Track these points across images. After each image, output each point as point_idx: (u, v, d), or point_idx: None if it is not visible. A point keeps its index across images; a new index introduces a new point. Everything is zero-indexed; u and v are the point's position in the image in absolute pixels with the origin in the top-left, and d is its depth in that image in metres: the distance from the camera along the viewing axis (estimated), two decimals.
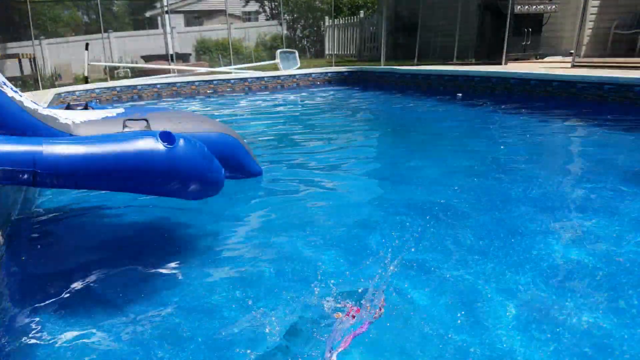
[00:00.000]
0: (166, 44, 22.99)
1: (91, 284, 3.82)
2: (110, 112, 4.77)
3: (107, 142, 3.65)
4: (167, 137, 3.74)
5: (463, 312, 3.25)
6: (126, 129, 4.20)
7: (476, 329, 3.07)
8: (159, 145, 3.66)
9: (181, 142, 3.76)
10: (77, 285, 3.80)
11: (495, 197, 5.51)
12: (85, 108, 5.19)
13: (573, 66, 14.16)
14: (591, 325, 3.04)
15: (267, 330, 3.14)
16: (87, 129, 4.16)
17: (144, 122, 4.22)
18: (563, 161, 7.29)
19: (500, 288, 3.53)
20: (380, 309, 3.15)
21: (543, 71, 13.48)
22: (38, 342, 3.11)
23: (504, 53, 16.60)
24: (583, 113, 10.66)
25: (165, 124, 4.33)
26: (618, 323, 3.06)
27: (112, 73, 21.07)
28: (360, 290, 3.45)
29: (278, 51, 21.85)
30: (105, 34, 21.02)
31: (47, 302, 3.56)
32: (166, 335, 3.16)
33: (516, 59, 17.84)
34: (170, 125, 4.34)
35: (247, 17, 30.27)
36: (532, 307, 3.30)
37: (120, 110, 5.06)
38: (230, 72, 20.93)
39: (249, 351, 2.92)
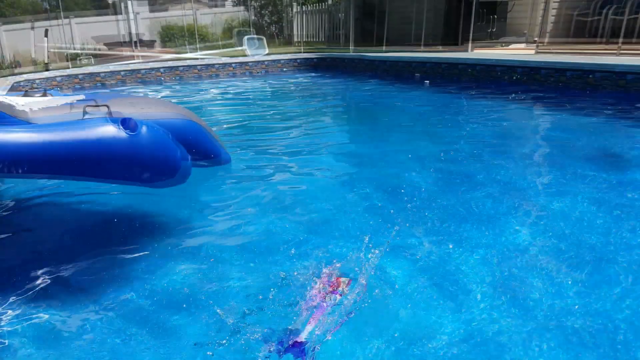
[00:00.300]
0: (130, 29, 22.40)
1: (58, 271, 3.73)
2: (70, 98, 4.62)
3: (66, 130, 3.53)
4: (128, 123, 3.64)
5: (434, 290, 3.30)
6: (87, 116, 4.07)
7: (448, 305, 3.13)
8: (121, 132, 3.57)
9: (144, 128, 3.67)
10: (43, 272, 3.71)
11: (463, 179, 5.59)
12: (44, 95, 5.01)
13: (537, 52, 14.42)
14: (556, 296, 3.14)
15: (239, 311, 3.17)
16: (45, 116, 4.02)
17: (105, 109, 4.09)
18: (527, 145, 7.43)
19: (469, 265, 3.60)
20: (347, 285, 3.20)
21: (508, 57, 13.69)
22: (7, 328, 3.05)
23: (470, 40, 16.78)
24: (547, 98, 10.88)
25: (127, 110, 4.21)
26: (580, 294, 3.18)
27: (73, 60, 20.42)
28: (332, 269, 3.49)
29: (245, 37, 21.55)
30: (67, 20, 20.33)
31: (12, 289, 3.47)
32: (138, 317, 3.12)
33: (482, 46, 18.04)
34: (132, 111, 4.23)
35: (214, 3, 29.70)
36: (501, 283, 3.37)
37: (81, 97, 4.90)
38: (197, 59, 20.56)
39: (220, 333, 2.91)
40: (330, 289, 3.17)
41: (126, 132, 3.56)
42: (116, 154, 3.54)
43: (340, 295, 3.13)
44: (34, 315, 3.22)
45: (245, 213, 4.91)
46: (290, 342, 2.67)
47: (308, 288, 3.26)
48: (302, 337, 2.71)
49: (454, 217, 4.56)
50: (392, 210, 4.79)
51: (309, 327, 2.78)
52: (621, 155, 6.25)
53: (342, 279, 3.28)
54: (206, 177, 5.91)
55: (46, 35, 18.22)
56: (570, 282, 3.36)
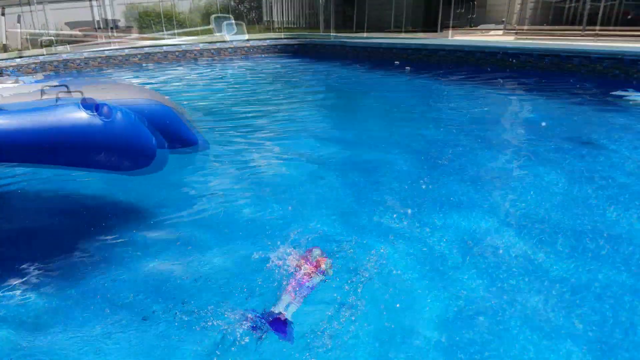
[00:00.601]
0: (105, 15, 21.90)
1: (34, 258, 3.66)
2: (42, 85, 4.49)
3: (38, 116, 3.43)
4: (103, 109, 3.56)
5: (414, 262, 3.33)
6: (59, 102, 3.96)
7: (427, 279, 3.16)
8: (95, 118, 3.48)
9: (118, 114, 3.59)
10: (17, 259, 3.64)
11: (441, 161, 5.62)
12: (16, 82, 4.89)
13: (516, 38, 14.50)
14: (532, 260, 3.20)
15: (222, 291, 3.19)
16: (17, 102, 3.91)
17: (79, 94, 3.99)
18: (504, 128, 7.48)
19: (446, 241, 3.64)
20: (330, 267, 3.28)
21: (488, 42, 13.75)
22: None
23: (451, 25, 16.79)
24: (525, 83, 10.96)
25: (101, 96, 4.11)
26: (559, 259, 3.25)
27: (48, 47, 19.91)
28: (312, 249, 3.54)
29: (224, 23, 21.26)
30: (40, 6, 19.79)
31: None
32: (118, 301, 3.08)
33: (462, 31, 18.08)
34: (107, 97, 4.13)
35: None
36: (483, 250, 3.42)
37: (54, 83, 4.78)
38: (175, 45, 20.22)
39: (203, 313, 2.90)
40: (312, 268, 3.25)
41: (100, 118, 3.48)
42: (90, 141, 3.46)
43: (323, 274, 3.23)
44: (11, 301, 3.16)
45: (223, 197, 4.88)
46: (272, 318, 2.74)
47: (290, 268, 3.32)
48: (285, 314, 2.78)
49: (431, 197, 4.61)
50: (369, 191, 4.80)
51: (292, 307, 2.86)
52: (596, 139, 6.34)
53: (323, 259, 3.35)
54: (183, 164, 5.85)
55: (3, 14, 17.58)
56: (550, 249, 3.44)
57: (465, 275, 3.31)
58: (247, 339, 2.72)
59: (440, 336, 2.75)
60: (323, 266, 3.24)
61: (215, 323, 2.89)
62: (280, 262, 3.42)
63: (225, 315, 2.93)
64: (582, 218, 4.06)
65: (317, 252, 3.40)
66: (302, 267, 3.24)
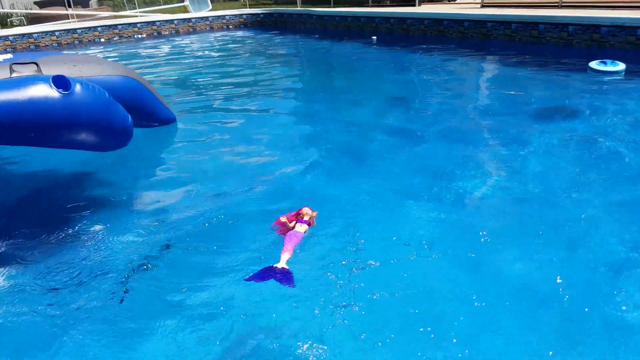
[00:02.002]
0: None
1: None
2: (9, 62, 4.25)
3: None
4: (61, 81, 3.40)
5: (383, 227, 3.35)
6: (14, 74, 3.78)
7: (398, 240, 3.18)
8: (53, 91, 3.33)
9: (78, 86, 3.43)
10: None
11: (413, 134, 5.62)
12: None
13: (483, 6, 14.49)
14: (499, 236, 3.26)
15: (212, 252, 3.21)
16: None
17: (34, 66, 3.80)
18: (475, 99, 7.53)
19: (419, 215, 3.66)
20: (312, 216, 3.46)
21: (455, 11, 13.71)
22: None
23: None
24: (493, 52, 11.01)
25: (59, 68, 3.94)
26: (524, 233, 3.32)
27: (10, 23, 19.05)
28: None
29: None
30: None
31: None
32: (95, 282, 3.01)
33: (430, 1, 18.00)
34: (65, 69, 3.96)
35: None
36: (450, 227, 3.45)
37: (8, 55, 4.55)
38: (137, 16, 19.55)
39: (195, 275, 2.85)
40: (295, 217, 3.44)
41: (58, 91, 3.32)
42: (48, 115, 3.30)
43: (309, 225, 3.41)
44: None
45: (193, 172, 4.78)
46: (270, 269, 2.95)
47: (280, 227, 3.48)
48: (281, 264, 3.00)
49: (401, 167, 4.63)
50: (340, 162, 4.81)
51: (285, 256, 3.06)
52: (561, 105, 6.44)
53: (309, 212, 3.47)
54: (150, 138, 5.70)
55: None
56: (516, 226, 3.49)
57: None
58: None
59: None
60: (307, 218, 3.41)
61: (211, 281, 2.99)
62: (262, 225, 3.58)
63: (224, 274, 3.06)
64: (552, 181, 4.14)
65: (306, 209, 3.49)
66: (291, 222, 3.40)
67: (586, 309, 2.61)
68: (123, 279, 3.07)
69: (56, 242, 3.52)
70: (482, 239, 3.33)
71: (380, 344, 2.44)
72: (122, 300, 2.85)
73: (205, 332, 2.58)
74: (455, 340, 2.43)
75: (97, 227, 3.72)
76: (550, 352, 2.35)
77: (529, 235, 3.36)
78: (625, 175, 4.24)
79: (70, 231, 3.66)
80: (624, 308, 2.59)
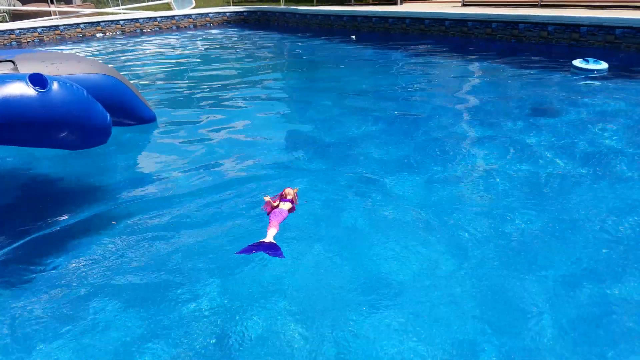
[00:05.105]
0: None
1: None
2: None
3: None
4: (38, 80, 3.39)
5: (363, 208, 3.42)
6: None
7: (378, 213, 3.24)
8: (29, 90, 3.31)
9: (55, 84, 3.43)
10: None
11: (395, 132, 5.70)
12: None
13: (464, 5, 14.65)
14: (490, 224, 3.34)
15: (203, 232, 3.16)
16: None
17: (11, 64, 3.79)
18: (456, 96, 7.62)
19: (404, 204, 3.73)
20: (294, 194, 3.71)
21: (436, 10, 13.83)
22: None
23: None
24: (474, 50, 11.14)
25: (36, 66, 3.92)
26: (515, 220, 3.41)
27: None
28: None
29: None
30: None
31: None
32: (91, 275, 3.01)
33: (420, 4, 18.13)
34: (42, 67, 3.94)
35: None
36: (431, 214, 3.53)
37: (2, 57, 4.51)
38: (120, 13, 19.37)
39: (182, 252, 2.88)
40: (279, 198, 3.64)
41: (35, 89, 3.31)
42: (24, 114, 3.28)
43: (292, 202, 3.64)
44: None
45: (173, 168, 4.78)
46: (258, 243, 3.17)
47: (263, 207, 3.68)
48: (268, 238, 3.23)
49: (383, 161, 4.70)
50: (325, 155, 4.86)
51: (272, 231, 3.29)
52: (541, 103, 6.57)
53: (288, 190, 3.69)
54: (129, 137, 5.69)
55: None
56: (509, 214, 3.60)
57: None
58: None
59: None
60: (289, 197, 3.64)
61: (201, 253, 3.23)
62: (247, 208, 3.84)
63: (214, 249, 3.31)
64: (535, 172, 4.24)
65: (288, 190, 3.70)
66: (275, 202, 3.60)
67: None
68: (104, 275, 3.08)
69: (30, 241, 3.52)
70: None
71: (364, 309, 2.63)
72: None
73: (194, 324, 2.65)
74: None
75: (75, 226, 3.72)
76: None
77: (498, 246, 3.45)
78: (617, 173, 4.35)
79: (48, 231, 3.66)
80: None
